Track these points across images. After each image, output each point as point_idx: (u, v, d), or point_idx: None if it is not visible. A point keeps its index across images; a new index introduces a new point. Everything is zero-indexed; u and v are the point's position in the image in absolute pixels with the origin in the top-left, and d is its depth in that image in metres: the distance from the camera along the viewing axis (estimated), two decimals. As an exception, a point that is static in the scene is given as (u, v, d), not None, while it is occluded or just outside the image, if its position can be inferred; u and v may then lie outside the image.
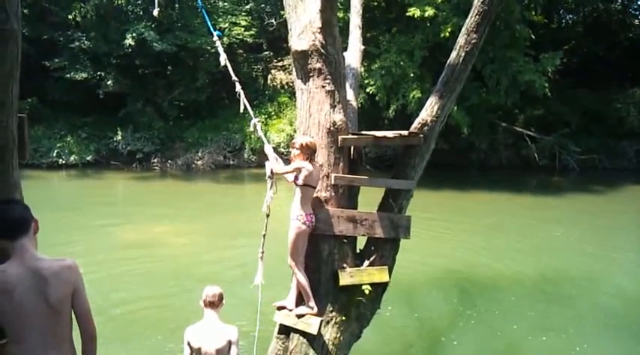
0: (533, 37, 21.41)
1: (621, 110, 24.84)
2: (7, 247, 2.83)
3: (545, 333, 8.04)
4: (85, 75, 24.55)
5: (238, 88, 6.21)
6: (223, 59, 6.43)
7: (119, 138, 25.49)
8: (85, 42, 24.90)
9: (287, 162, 5.59)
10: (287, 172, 5.28)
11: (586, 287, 10.14)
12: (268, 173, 5.46)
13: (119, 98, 25.66)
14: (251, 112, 6.22)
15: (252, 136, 24.55)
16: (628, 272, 11.17)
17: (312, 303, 5.27)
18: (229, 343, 4.69)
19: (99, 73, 24.93)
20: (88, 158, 24.80)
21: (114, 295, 9.10)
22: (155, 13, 7.99)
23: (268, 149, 5.75)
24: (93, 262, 10.82)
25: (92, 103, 25.73)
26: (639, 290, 9.97)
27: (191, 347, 4.69)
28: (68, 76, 24.43)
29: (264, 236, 5.59)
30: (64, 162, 24.21)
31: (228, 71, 6.25)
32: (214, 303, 4.81)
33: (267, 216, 5.57)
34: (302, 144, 5.15)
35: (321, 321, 5.30)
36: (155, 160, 25.73)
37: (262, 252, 5.59)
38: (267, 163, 5.57)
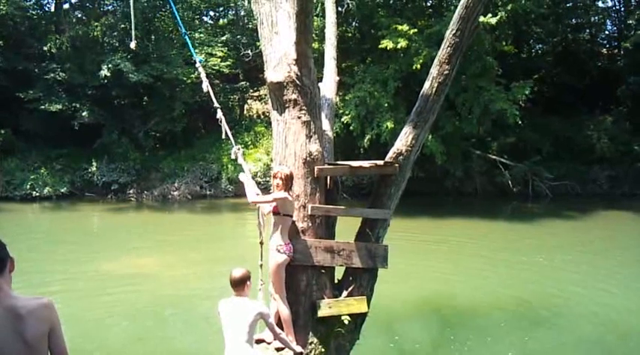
0: (500, 70, 21.87)
1: (591, 137, 25.35)
2: None
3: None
4: (59, 106, 24.27)
5: (219, 114, 6.25)
6: (205, 86, 6.46)
7: (94, 169, 25.21)
8: (60, 73, 24.72)
9: (265, 191, 5.63)
10: (266, 202, 5.29)
11: (575, 313, 10.04)
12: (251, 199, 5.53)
13: (94, 129, 25.47)
14: (232, 140, 6.23)
15: (229, 166, 24.46)
16: (612, 297, 11.13)
17: (291, 336, 5.22)
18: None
19: (74, 104, 24.70)
20: (63, 190, 24.43)
21: (94, 332, 8.83)
22: (132, 45, 8.09)
23: (243, 177, 5.71)
24: (71, 297, 10.58)
25: (67, 135, 25.44)
26: (622, 314, 9.98)
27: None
28: (43, 107, 24.09)
29: (260, 266, 5.65)
30: (37, 194, 23.80)
31: (204, 101, 6.37)
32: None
33: (261, 244, 5.61)
34: (287, 175, 5.19)
35: (300, 354, 5.25)
36: (131, 191, 25.44)
37: (262, 283, 5.63)
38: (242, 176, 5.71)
